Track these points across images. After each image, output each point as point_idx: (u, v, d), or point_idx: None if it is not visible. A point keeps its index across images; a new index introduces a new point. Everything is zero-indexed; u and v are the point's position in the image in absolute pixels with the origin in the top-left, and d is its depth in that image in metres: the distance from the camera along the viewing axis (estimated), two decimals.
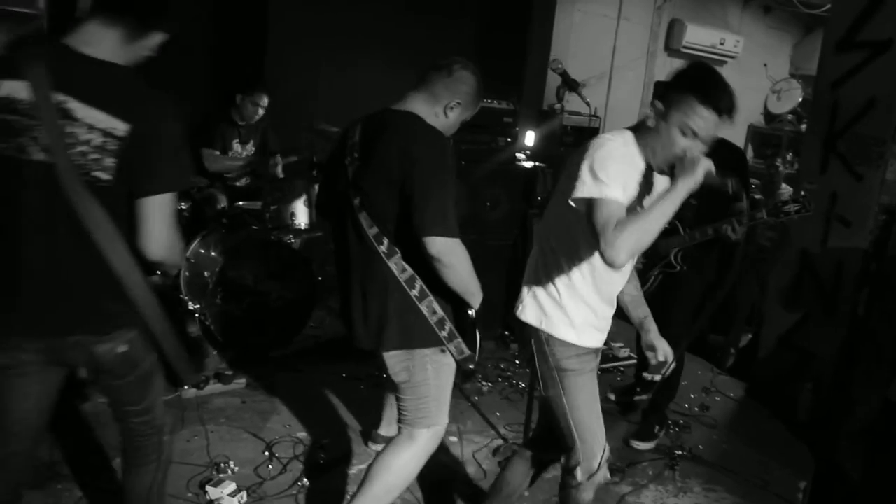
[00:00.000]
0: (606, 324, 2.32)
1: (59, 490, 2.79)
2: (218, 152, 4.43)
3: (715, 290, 3.81)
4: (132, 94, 1.79)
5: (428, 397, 2.40)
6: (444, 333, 2.32)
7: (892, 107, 3.65)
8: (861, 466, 3.62)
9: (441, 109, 2.41)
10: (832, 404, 3.90)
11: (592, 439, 2.28)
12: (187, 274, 3.93)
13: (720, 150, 3.54)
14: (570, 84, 2.83)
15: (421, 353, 2.35)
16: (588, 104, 2.84)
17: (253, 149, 4.65)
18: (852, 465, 3.67)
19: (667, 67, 6.59)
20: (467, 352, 2.37)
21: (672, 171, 2.03)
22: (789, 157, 6.45)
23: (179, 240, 1.90)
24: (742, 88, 7.28)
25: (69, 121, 1.71)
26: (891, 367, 3.56)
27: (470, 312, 2.40)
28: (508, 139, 4.37)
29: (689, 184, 1.92)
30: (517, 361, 4.45)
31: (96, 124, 1.72)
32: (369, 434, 3.38)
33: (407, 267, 2.31)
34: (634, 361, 4.42)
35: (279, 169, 4.72)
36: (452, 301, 2.34)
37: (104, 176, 1.75)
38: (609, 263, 1.85)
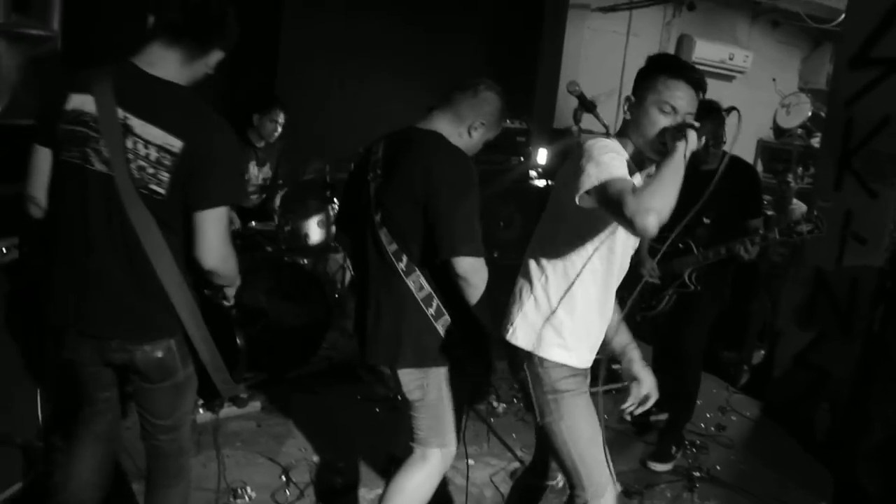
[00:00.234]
0: (598, 343, 2.23)
1: None
2: None
3: (730, 309, 3.81)
4: (187, 112, 1.89)
5: (441, 416, 2.40)
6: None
7: None
8: (879, 484, 3.60)
9: (465, 129, 2.42)
10: (849, 423, 3.87)
11: (599, 473, 2.13)
12: None
13: (733, 169, 3.57)
14: (587, 106, 2.82)
15: (436, 371, 2.35)
16: (606, 126, 2.83)
17: (270, 172, 4.66)
18: (870, 483, 3.65)
19: None
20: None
21: (662, 155, 1.98)
22: (800, 171, 6.44)
23: (233, 252, 1.98)
24: (751, 103, 7.37)
25: (130, 136, 1.84)
26: None
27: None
28: (522, 158, 4.38)
29: (682, 146, 1.89)
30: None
31: (153, 140, 1.83)
32: (386, 457, 3.37)
33: (425, 285, 2.32)
34: None
35: (278, 199, 4.71)
36: (468, 320, 2.34)
37: (159, 190, 1.85)
38: (640, 228, 1.74)
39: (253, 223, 4.52)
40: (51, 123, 1.92)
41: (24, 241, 2.60)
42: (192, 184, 1.86)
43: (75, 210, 1.92)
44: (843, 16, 5.72)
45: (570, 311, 2.10)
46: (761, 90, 7.24)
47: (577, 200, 1.90)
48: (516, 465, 3.49)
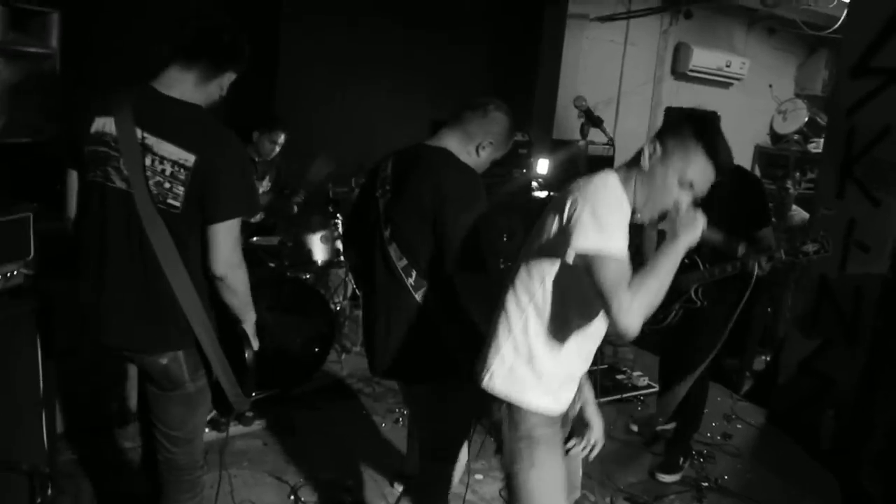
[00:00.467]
0: (577, 384, 2.09)
1: None
2: None
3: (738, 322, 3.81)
4: (199, 128, 2.01)
5: (451, 430, 2.40)
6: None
7: None
8: (882, 489, 3.60)
9: (474, 148, 2.43)
10: (855, 430, 3.87)
11: None
12: None
13: (737, 181, 3.59)
14: (593, 121, 2.83)
15: (446, 385, 2.35)
16: (612, 139, 2.84)
17: (269, 184, 4.65)
18: (874, 489, 3.65)
19: (673, 91, 6.64)
20: None
21: (660, 219, 1.93)
22: (797, 175, 6.45)
23: (242, 263, 2.07)
24: (748, 109, 7.41)
25: (148, 153, 1.96)
26: None
27: None
28: (524, 170, 4.38)
29: (689, 239, 1.80)
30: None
31: (168, 156, 1.95)
32: (394, 473, 3.35)
33: (435, 300, 2.32)
34: (655, 390, 4.39)
35: (295, 208, 4.70)
36: (476, 334, 2.34)
37: (175, 203, 1.96)
38: (623, 330, 1.66)
39: (255, 238, 4.51)
40: (77, 147, 2.06)
41: (28, 264, 2.60)
42: (206, 196, 1.96)
43: (97, 226, 2.04)
44: (838, 23, 5.78)
45: (551, 356, 1.94)
46: (758, 97, 7.28)
47: (567, 255, 1.80)
48: None
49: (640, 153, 1.90)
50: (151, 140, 1.95)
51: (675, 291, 3.66)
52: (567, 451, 2.12)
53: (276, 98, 5.32)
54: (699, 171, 1.84)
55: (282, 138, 4.51)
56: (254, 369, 2.17)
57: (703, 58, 6.61)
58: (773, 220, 5.52)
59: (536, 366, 1.93)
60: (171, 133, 1.95)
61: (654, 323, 3.80)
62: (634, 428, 4.14)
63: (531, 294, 1.93)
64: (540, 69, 6.09)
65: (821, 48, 7.33)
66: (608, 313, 1.70)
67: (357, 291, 5.07)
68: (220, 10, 5.13)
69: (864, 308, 3.87)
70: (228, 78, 2.13)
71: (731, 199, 3.52)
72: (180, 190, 1.95)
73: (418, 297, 2.31)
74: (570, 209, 1.78)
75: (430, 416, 2.40)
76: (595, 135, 4.52)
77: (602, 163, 4.64)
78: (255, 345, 2.20)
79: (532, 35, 6.07)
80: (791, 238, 5.33)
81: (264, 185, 4.69)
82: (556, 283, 1.89)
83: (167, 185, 1.95)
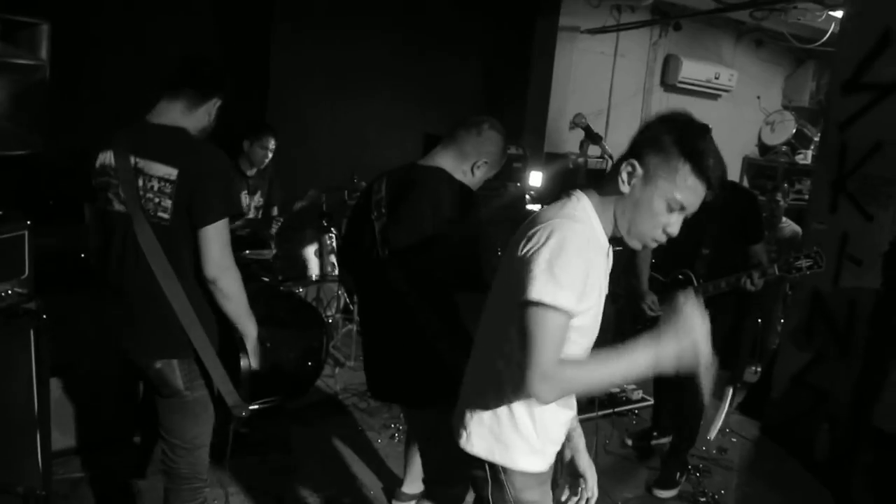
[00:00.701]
0: (565, 432, 1.89)
1: None
2: None
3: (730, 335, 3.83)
4: (180, 145, 2.18)
5: (456, 452, 2.38)
6: None
7: None
8: (871, 501, 3.63)
9: (469, 167, 2.43)
10: (849, 443, 3.90)
11: None
12: None
13: (731, 194, 3.59)
14: (592, 137, 2.84)
15: (450, 408, 2.33)
16: (611, 157, 2.84)
17: (261, 200, 4.62)
18: (864, 501, 3.68)
19: (663, 103, 6.68)
20: None
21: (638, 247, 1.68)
22: (786, 186, 6.51)
23: (234, 266, 2.18)
24: (736, 121, 7.46)
25: (140, 176, 2.15)
26: None
27: None
28: (518, 184, 4.38)
29: (668, 352, 1.47)
30: None
31: (156, 174, 2.13)
32: (391, 491, 3.32)
33: (436, 322, 2.30)
34: (650, 403, 4.40)
35: (275, 227, 4.67)
36: None
37: (165, 216, 2.13)
38: (529, 393, 1.46)
39: (247, 252, 4.47)
40: (88, 181, 2.30)
41: (23, 282, 2.56)
42: (192, 205, 2.11)
43: (105, 246, 2.27)
44: (826, 35, 5.84)
45: (532, 412, 1.72)
46: (746, 108, 7.34)
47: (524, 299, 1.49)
48: None
49: (614, 173, 1.62)
50: (142, 163, 2.15)
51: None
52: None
53: (268, 110, 5.30)
54: (689, 192, 1.57)
55: (272, 144, 4.49)
56: (248, 377, 2.26)
57: (692, 69, 6.65)
58: (766, 232, 5.58)
59: (518, 425, 1.71)
60: (156, 154, 2.14)
61: None
62: (629, 442, 4.14)
63: (500, 343, 1.66)
64: (531, 81, 6.11)
65: (808, 60, 7.41)
66: (522, 368, 1.45)
67: (350, 306, 5.05)
68: (210, 22, 5.11)
69: (857, 321, 3.90)
70: (214, 104, 2.31)
71: (724, 214, 3.55)
72: (168, 203, 2.12)
73: (419, 319, 2.29)
74: (526, 246, 1.53)
75: (433, 438, 2.38)
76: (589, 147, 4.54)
77: (599, 177, 4.70)
78: (256, 363, 2.28)
79: (524, 47, 6.09)
80: (781, 250, 5.39)
81: (256, 201, 4.66)
82: None
83: (157, 199, 2.13)
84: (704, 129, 1.61)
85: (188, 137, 2.21)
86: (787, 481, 3.90)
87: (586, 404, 4.30)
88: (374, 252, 2.39)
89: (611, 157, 3.02)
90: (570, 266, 1.47)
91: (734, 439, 4.32)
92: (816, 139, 7.35)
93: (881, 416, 3.66)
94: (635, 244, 1.66)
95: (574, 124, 2.95)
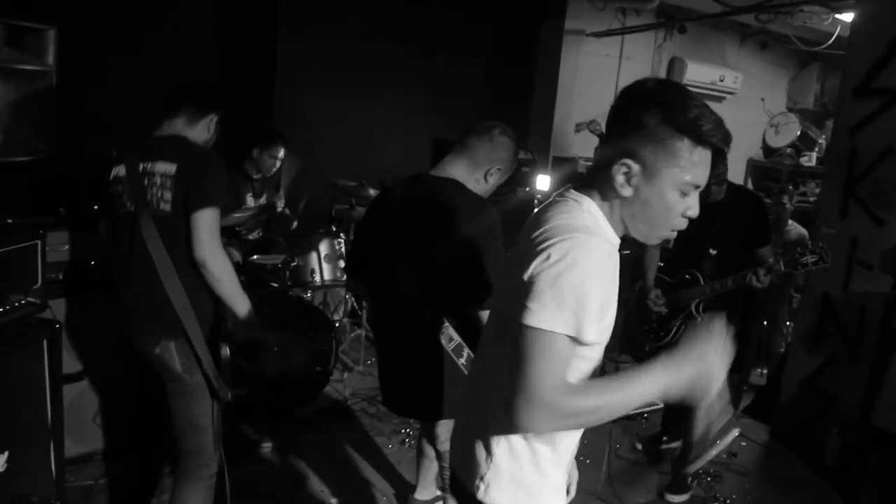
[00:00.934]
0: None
1: None
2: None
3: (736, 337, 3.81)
4: (180, 147, 2.45)
5: None
6: None
7: None
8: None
9: (482, 175, 2.42)
10: (858, 447, 3.89)
11: None
12: None
13: (737, 199, 3.60)
14: None
15: None
16: None
17: (265, 202, 4.61)
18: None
19: None
20: None
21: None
22: (790, 188, 6.51)
23: (222, 251, 2.39)
24: (741, 123, 7.43)
25: (146, 176, 2.42)
26: None
27: None
28: (527, 189, 4.37)
29: (682, 379, 1.34)
30: None
31: (159, 171, 2.40)
32: (404, 497, 3.31)
33: (454, 336, 2.30)
34: (659, 407, 4.39)
35: (281, 203, 4.65)
36: None
37: (166, 207, 2.38)
38: (519, 421, 1.26)
39: (255, 257, 4.46)
40: (101, 192, 2.63)
41: (36, 292, 2.55)
42: (188, 194, 2.35)
43: (118, 244, 2.52)
44: (832, 38, 5.83)
45: (552, 444, 1.51)
46: (751, 110, 7.33)
47: (523, 323, 1.30)
48: None
49: (606, 175, 1.41)
50: (149, 166, 2.43)
51: (677, 307, 3.68)
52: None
53: (274, 115, 5.29)
54: (698, 167, 1.38)
55: (282, 153, 4.49)
56: (229, 363, 2.52)
57: (697, 72, 6.64)
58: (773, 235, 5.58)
59: (541, 464, 1.50)
60: (159, 155, 2.42)
61: (656, 340, 3.81)
62: (639, 446, 4.13)
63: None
64: (537, 85, 6.11)
65: (813, 63, 7.40)
66: (514, 391, 1.26)
67: (358, 310, 5.04)
68: (215, 27, 5.10)
69: (867, 325, 3.89)
70: (211, 119, 2.59)
71: (733, 218, 3.55)
72: (169, 195, 2.38)
73: (438, 333, 2.28)
74: (537, 262, 1.32)
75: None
76: (586, 150, 4.53)
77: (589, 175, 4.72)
78: (242, 336, 2.56)
79: (529, 51, 6.09)
80: (787, 254, 5.38)
81: (262, 201, 4.65)
82: None
83: (159, 193, 2.39)
84: (679, 88, 1.40)
85: (187, 141, 2.50)
86: (797, 486, 3.90)
87: None
88: (388, 265, 2.38)
89: None
90: (577, 299, 1.27)
91: (744, 443, 4.32)
92: (821, 141, 7.36)
93: (881, 415, 3.66)
94: (654, 241, 1.50)
95: (589, 131, 2.94)
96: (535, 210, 1.54)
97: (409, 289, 2.31)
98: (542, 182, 4.89)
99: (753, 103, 7.35)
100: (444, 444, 2.38)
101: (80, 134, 3.97)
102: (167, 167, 2.37)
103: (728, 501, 3.62)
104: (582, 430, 1.58)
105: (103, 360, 3.23)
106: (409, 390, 2.39)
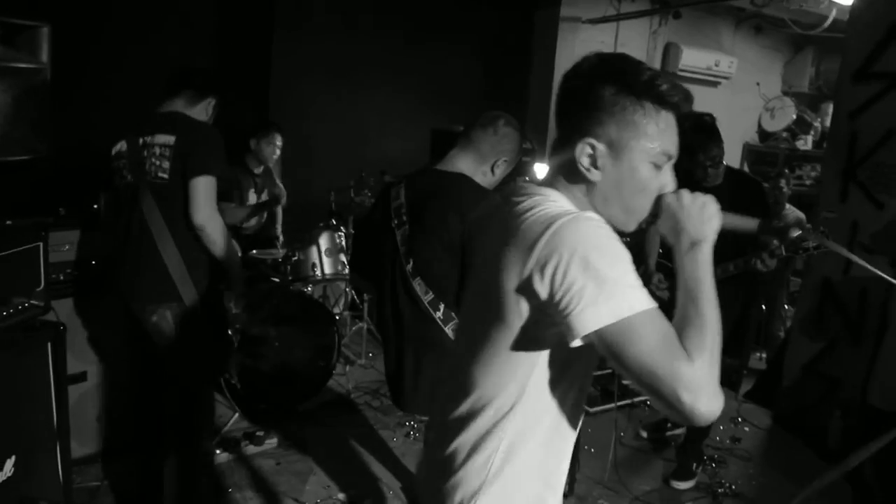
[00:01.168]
0: None
1: None
2: (234, 205, 4.34)
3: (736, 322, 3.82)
4: (180, 121, 2.63)
5: None
6: None
7: None
8: (880, 485, 3.64)
9: (488, 168, 2.40)
10: (862, 430, 3.90)
11: None
12: None
13: (735, 183, 3.59)
14: None
15: None
16: None
17: (267, 198, 4.58)
18: (875, 485, 3.69)
19: None
20: None
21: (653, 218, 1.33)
22: (786, 171, 6.51)
23: (218, 216, 2.59)
24: (736, 108, 7.40)
25: (146, 148, 2.59)
26: None
27: None
28: (527, 178, 4.35)
29: (710, 233, 1.28)
30: None
31: (158, 142, 2.58)
32: (410, 490, 3.31)
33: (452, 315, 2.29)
34: None
35: (283, 198, 4.60)
36: None
37: (164, 176, 2.56)
38: (697, 415, 1.06)
39: (254, 251, 4.44)
40: (101, 177, 2.80)
41: (38, 294, 2.53)
42: (186, 163, 2.52)
43: (117, 215, 2.70)
44: (827, 21, 5.82)
45: (556, 456, 1.37)
46: (746, 94, 7.31)
47: (570, 343, 1.13)
48: None
49: (569, 162, 1.28)
50: (149, 139, 2.59)
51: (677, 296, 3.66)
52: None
53: (270, 108, 5.25)
54: (666, 133, 1.26)
55: (279, 140, 4.48)
56: (234, 346, 2.86)
57: (692, 57, 6.62)
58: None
59: (545, 476, 1.36)
60: (159, 128, 2.59)
61: None
62: (644, 434, 4.14)
63: (501, 388, 1.26)
64: (533, 73, 6.07)
65: (807, 46, 7.38)
66: (661, 398, 1.08)
67: (358, 303, 5.02)
68: (211, 21, 5.05)
69: (869, 309, 3.90)
70: (210, 103, 2.76)
71: (732, 203, 3.52)
72: (167, 165, 2.54)
73: (448, 330, 2.27)
74: (552, 280, 1.13)
75: None
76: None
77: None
78: (238, 305, 2.87)
79: (525, 39, 6.05)
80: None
81: (263, 198, 4.62)
82: (542, 380, 1.26)
83: (157, 163, 2.55)
84: (626, 57, 1.30)
85: (186, 116, 2.66)
86: (801, 470, 3.90)
87: (603, 397, 4.32)
88: (395, 261, 2.36)
89: None
90: (622, 269, 1.13)
91: (747, 428, 4.34)
92: (816, 124, 7.36)
93: (874, 393, 3.67)
94: (633, 227, 1.33)
95: None
96: (491, 219, 1.40)
97: (417, 285, 2.30)
98: (541, 171, 4.86)
99: (749, 88, 7.33)
100: None
101: (78, 132, 3.93)
102: (166, 138, 2.55)
103: (733, 487, 3.63)
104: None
105: (106, 360, 3.21)
106: (416, 388, 2.37)
